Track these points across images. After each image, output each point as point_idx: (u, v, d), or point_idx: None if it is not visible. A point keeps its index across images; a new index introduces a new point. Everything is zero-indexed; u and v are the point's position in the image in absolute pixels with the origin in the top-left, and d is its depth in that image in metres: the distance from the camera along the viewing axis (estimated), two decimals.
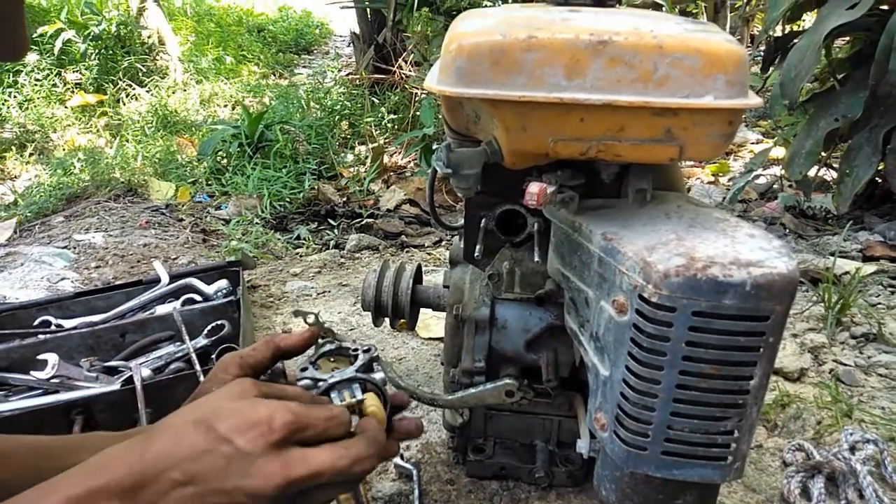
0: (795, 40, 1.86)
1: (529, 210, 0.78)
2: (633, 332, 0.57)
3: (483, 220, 0.79)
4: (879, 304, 1.28)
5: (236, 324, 1.07)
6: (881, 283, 1.41)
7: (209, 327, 1.05)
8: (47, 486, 0.43)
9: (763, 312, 0.54)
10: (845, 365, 1.06)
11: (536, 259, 0.74)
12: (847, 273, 1.31)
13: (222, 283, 1.21)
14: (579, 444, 0.72)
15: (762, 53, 2.27)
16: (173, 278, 1.22)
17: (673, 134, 0.59)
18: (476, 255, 0.76)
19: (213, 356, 0.99)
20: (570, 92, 0.58)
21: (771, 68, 2.04)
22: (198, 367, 0.92)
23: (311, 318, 1.00)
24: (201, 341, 1.03)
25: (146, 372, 0.94)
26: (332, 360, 0.68)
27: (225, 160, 2.75)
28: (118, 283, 1.26)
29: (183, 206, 2.28)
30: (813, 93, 1.91)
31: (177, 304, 1.16)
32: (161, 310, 1.14)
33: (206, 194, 2.43)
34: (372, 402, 0.61)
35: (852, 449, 0.80)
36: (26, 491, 0.43)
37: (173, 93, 4.34)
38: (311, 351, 0.68)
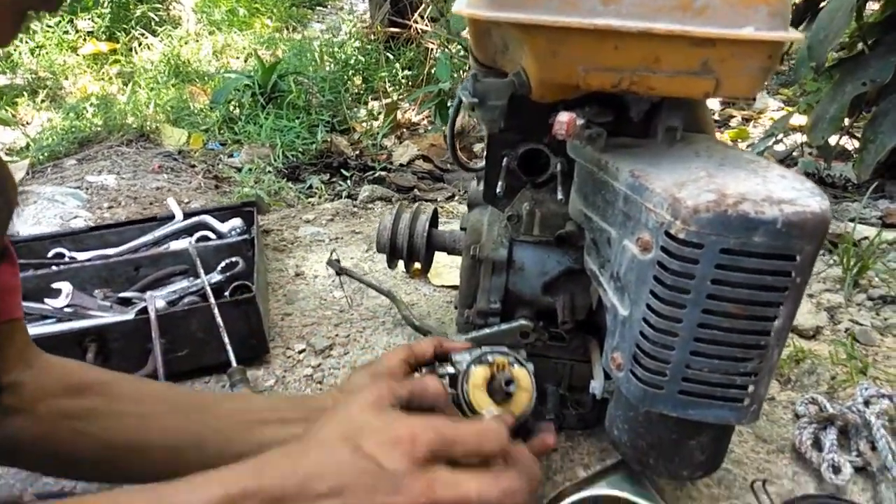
0: (824, 2, 1.81)
1: (553, 149, 0.77)
2: (656, 269, 0.56)
3: (505, 159, 0.78)
4: None
5: (250, 261, 1.07)
6: None
7: (223, 263, 1.05)
8: (212, 476, 0.46)
9: (792, 251, 0.53)
10: (861, 325, 1.06)
11: (559, 197, 0.73)
12: (866, 238, 1.30)
13: (236, 222, 1.20)
14: (592, 384, 0.72)
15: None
16: (187, 216, 1.22)
17: (710, 66, 0.57)
18: (498, 192, 0.75)
19: (227, 292, 1.00)
20: (604, 18, 0.56)
21: (799, 30, 1.99)
22: (212, 299, 0.92)
23: (333, 258, 1.02)
24: (215, 277, 1.03)
25: (160, 303, 0.94)
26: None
27: (237, 109, 2.73)
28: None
29: (195, 152, 2.27)
30: (839, 58, 1.86)
31: (191, 239, 1.16)
32: (175, 245, 1.14)
33: (218, 142, 2.42)
34: (523, 378, 0.65)
35: (867, 403, 0.80)
36: (189, 476, 0.46)
37: (186, 43, 4.28)
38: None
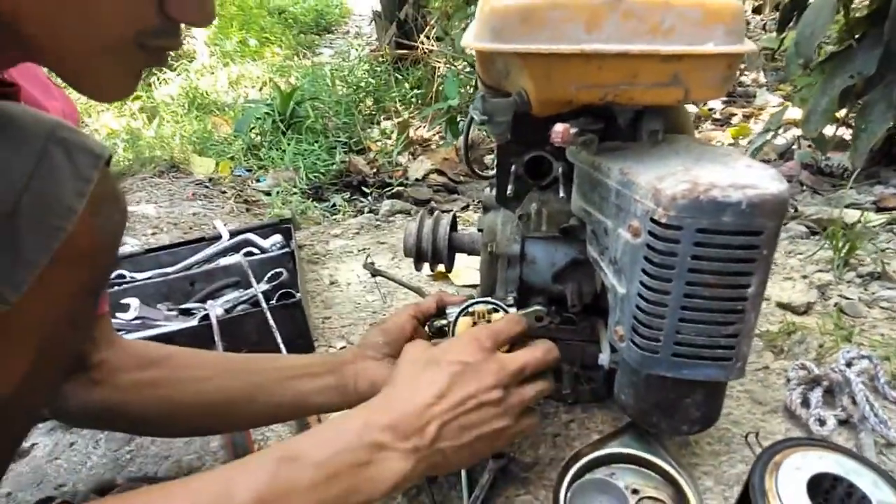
0: (811, 0, 1.91)
1: (554, 155, 0.88)
2: (645, 251, 0.67)
3: (513, 167, 0.89)
4: (887, 248, 1.36)
5: (292, 272, 1.19)
6: (891, 230, 1.47)
7: (269, 274, 1.17)
8: (340, 427, 0.59)
9: (757, 228, 0.63)
10: (849, 299, 1.15)
11: (562, 195, 0.84)
12: (858, 222, 1.38)
13: (277, 238, 1.33)
14: (601, 357, 0.83)
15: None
16: (233, 234, 1.35)
17: (679, 78, 0.68)
18: (509, 194, 0.87)
19: (274, 300, 1.12)
20: (589, 43, 0.67)
21: (786, 30, 2.08)
22: (264, 305, 1.04)
23: (369, 262, 1.13)
24: (262, 286, 1.15)
25: (219, 311, 1.06)
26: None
27: (259, 136, 2.87)
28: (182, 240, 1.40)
29: (224, 179, 2.41)
30: (830, 53, 1.95)
31: (239, 255, 1.28)
32: (224, 261, 1.27)
33: (244, 168, 2.56)
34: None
35: (848, 364, 0.89)
36: (314, 430, 0.61)
37: (202, 75, 4.46)
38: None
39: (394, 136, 2.89)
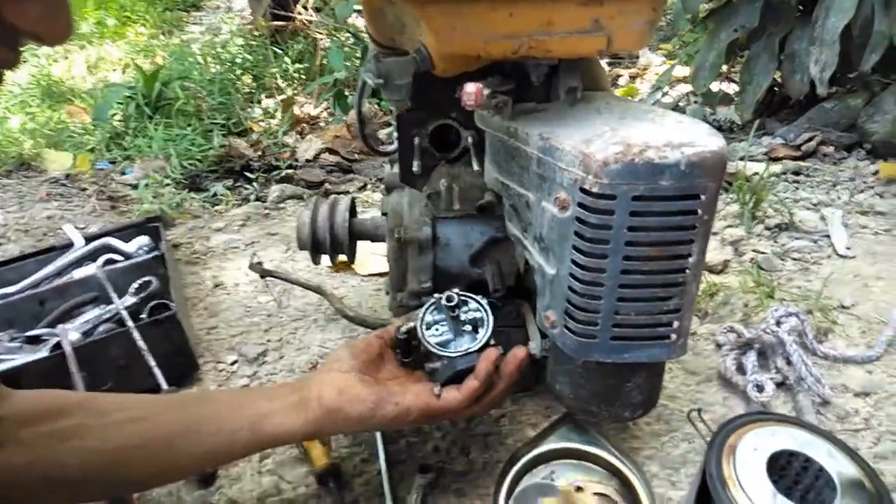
0: None
1: (463, 123, 0.78)
2: (576, 225, 0.59)
3: (416, 138, 0.78)
4: (787, 197, 1.38)
5: (163, 279, 1.02)
6: (787, 179, 1.51)
7: (135, 285, 1.00)
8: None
9: (697, 190, 0.56)
10: (763, 253, 1.14)
11: (475, 167, 0.74)
12: (756, 174, 1.39)
13: (143, 240, 1.14)
14: (531, 345, 0.74)
15: None
16: (88, 240, 1.15)
17: (600, 24, 0.59)
18: (414, 170, 0.75)
19: (144, 314, 0.95)
20: None
21: None
22: (130, 323, 0.87)
23: (255, 261, 0.99)
24: (129, 300, 0.97)
25: (75, 336, 0.88)
26: None
27: (123, 123, 2.57)
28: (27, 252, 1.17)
29: (84, 174, 2.13)
30: (711, 8, 1.97)
31: (97, 264, 1.09)
32: (79, 273, 1.07)
33: (107, 161, 2.27)
34: None
35: (778, 323, 0.87)
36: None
37: (55, 61, 3.99)
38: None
39: (278, 114, 2.67)
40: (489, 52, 0.60)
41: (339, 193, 1.94)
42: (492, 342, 0.69)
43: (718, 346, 0.92)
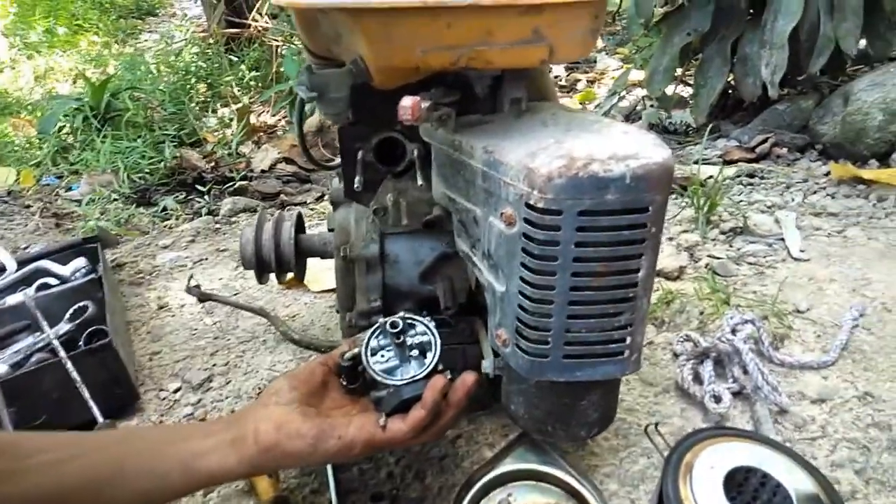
0: None
1: (407, 136, 0.75)
2: (523, 241, 0.57)
3: (360, 153, 0.75)
4: (742, 200, 1.39)
5: (101, 303, 0.97)
6: (741, 182, 1.52)
7: (71, 311, 0.94)
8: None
9: (644, 204, 0.54)
10: (718, 258, 1.14)
11: (420, 183, 0.71)
12: (711, 177, 1.40)
13: (80, 262, 1.08)
14: (484, 364, 0.72)
15: None
16: (21, 264, 1.08)
17: (541, 33, 0.57)
18: (356, 186, 0.72)
19: (81, 341, 0.89)
20: None
21: None
22: (62, 353, 0.82)
23: (193, 284, 0.94)
24: (64, 327, 0.92)
25: (2, 368, 0.83)
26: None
27: (70, 136, 2.48)
28: None
29: (28, 191, 2.04)
30: (664, 12, 1.98)
31: (29, 290, 1.03)
32: (12, 300, 1.01)
33: (53, 176, 2.19)
34: None
35: (733, 331, 0.86)
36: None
37: (0, 71, 3.85)
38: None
39: (234, 124, 2.61)
40: (428, 64, 0.57)
41: (295, 205, 1.89)
42: (440, 367, 0.66)
43: (675, 355, 0.91)
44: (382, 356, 0.66)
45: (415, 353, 0.66)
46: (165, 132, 2.37)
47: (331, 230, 0.87)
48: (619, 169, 0.53)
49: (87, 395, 0.80)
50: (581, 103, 2.59)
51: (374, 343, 0.67)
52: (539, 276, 0.57)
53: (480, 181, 0.62)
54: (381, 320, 0.67)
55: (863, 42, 1.75)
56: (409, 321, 0.67)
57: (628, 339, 0.61)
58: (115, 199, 1.82)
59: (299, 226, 0.93)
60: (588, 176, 0.53)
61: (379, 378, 0.64)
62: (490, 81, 0.66)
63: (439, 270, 0.79)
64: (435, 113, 0.63)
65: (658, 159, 0.54)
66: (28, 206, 1.93)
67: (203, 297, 1.02)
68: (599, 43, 3.48)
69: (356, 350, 0.66)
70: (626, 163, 0.53)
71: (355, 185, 0.73)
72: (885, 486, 0.70)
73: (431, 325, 0.68)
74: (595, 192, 0.53)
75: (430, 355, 0.66)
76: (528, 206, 0.55)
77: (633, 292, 0.58)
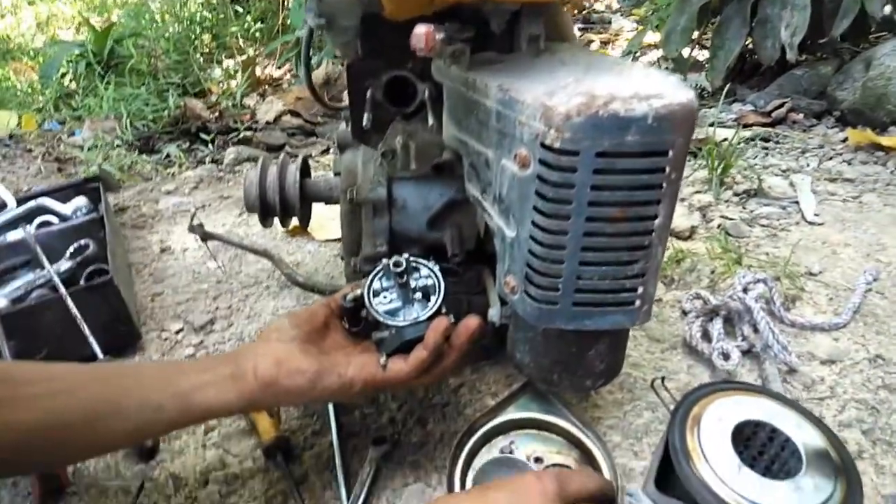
0: None
1: (419, 74, 0.72)
2: (537, 184, 0.54)
3: (369, 91, 0.72)
4: (756, 164, 1.36)
5: (102, 243, 0.96)
6: (756, 146, 1.49)
7: (71, 248, 0.93)
8: None
9: (665, 146, 0.52)
10: (731, 219, 1.12)
11: (431, 123, 0.68)
12: (725, 140, 1.37)
13: (81, 202, 1.07)
14: (490, 312, 0.71)
15: None
16: (21, 201, 1.07)
17: None
18: (365, 123, 0.70)
19: (82, 279, 0.88)
20: None
21: None
22: (63, 290, 0.81)
23: (196, 223, 0.92)
24: (65, 264, 0.91)
25: (3, 302, 0.82)
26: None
27: (73, 83, 2.44)
28: None
29: (30, 135, 2.01)
30: None
31: (30, 227, 1.01)
32: (12, 236, 1.00)
33: (55, 121, 2.16)
34: None
35: (745, 290, 0.85)
36: None
37: (2, 17, 3.78)
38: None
39: (238, 75, 2.57)
40: None
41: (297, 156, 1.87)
42: (443, 311, 0.64)
43: (684, 313, 0.90)
44: (385, 297, 0.65)
45: (418, 295, 0.65)
46: (170, 81, 2.34)
47: (337, 174, 0.85)
48: (642, 108, 0.51)
49: (87, 331, 0.80)
50: None
51: (377, 284, 0.65)
52: (552, 221, 0.55)
53: (494, 121, 0.59)
54: (385, 261, 0.66)
55: (888, 8, 1.70)
56: (414, 263, 0.66)
57: (640, 289, 0.59)
58: (118, 146, 1.80)
59: (304, 170, 0.91)
60: (609, 115, 0.50)
61: (381, 319, 0.63)
62: (507, 17, 0.63)
63: (448, 217, 0.77)
64: (449, 48, 0.60)
65: (682, 100, 0.51)
66: (30, 151, 1.91)
67: (206, 237, 1.01)
68: (615, 4, 3.39)
69: (359, 291, 0.65)
70: (648, 102, 0.51)
71: (364, 123, 0.70)
72: (893, 446, 0.69)
73: (436, 268, 0.66)
74: (615, 133, 0.51)
75: (433, 298, 0.64)
76: (544, 146, 0.52)
77: (649, 240, 0.56)
